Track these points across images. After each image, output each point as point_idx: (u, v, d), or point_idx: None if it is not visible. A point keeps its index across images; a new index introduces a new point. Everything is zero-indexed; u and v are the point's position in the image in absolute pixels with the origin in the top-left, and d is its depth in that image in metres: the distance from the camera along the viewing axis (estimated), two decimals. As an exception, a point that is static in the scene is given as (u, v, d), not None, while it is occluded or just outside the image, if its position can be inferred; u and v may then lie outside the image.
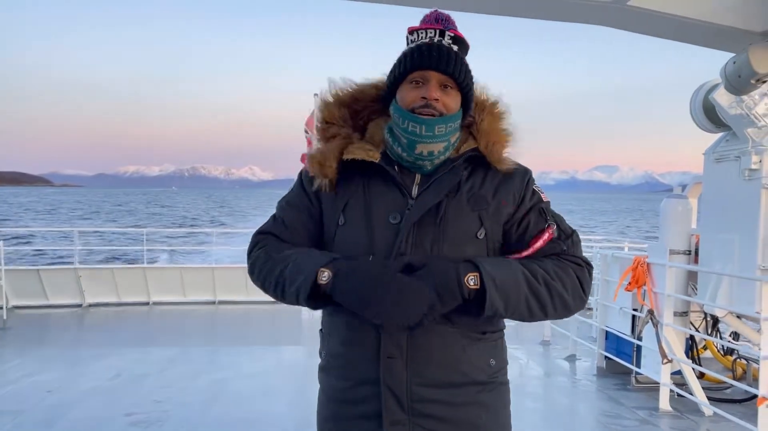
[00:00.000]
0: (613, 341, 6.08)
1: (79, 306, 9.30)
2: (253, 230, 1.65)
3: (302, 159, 8.11)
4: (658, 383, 5.06)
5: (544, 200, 1.55)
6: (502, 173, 1.51)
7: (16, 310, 8.93)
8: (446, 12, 1.51)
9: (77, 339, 7.57)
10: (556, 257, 1.48)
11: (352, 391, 1.47)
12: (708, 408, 4.80)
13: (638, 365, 5.55)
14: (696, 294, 5.46)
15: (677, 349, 5.12)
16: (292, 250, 1.49)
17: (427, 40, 1.46)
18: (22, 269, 9.82)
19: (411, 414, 1.42)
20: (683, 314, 5.45)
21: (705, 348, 5.84)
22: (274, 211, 1.65)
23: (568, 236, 1.52)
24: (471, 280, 1.35)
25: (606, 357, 6.16)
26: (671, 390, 5.01)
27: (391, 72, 1.52)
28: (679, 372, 5.14)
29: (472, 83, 1.51)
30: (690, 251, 5.49)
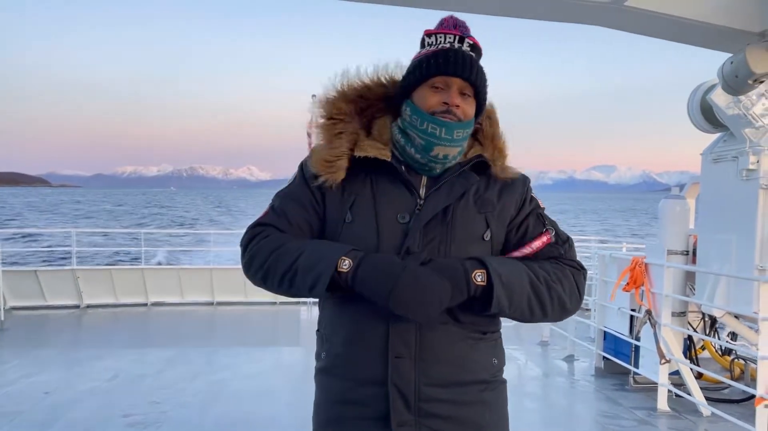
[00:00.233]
0: (611, 341, 6.09)
1: (77, 307, 9.29)
2: None
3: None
4: (656, 383, 5.07)
5: (541, 206, 1.60)
6: (504, 179, 1.55)
7: (13, 311, 8.91)
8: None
9: (75, 340, 7.56)
10: (555, 260, 1.53)
11: (356, 391, 1.45)
12: (706, 409, 4.81)
13: (636, 365, 5.55)
14: (694, 294, 5.47)
15: (675, 349, 5.12)
16: (302, 241, 1.47)
17: (447, 45, 1.46)
18: (20, 270, 9.80)
19: (417, 415, 1.42)
20: (681, 314, 5.46)
21: (703, 348, 5.84)
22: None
23: (564, 241, 1.57)
24: (478, 277, 1.38)
25: (604, 357, 6.17)
26: (669, 391, 5.02)
27: (409, 73, 1.51)
28: (677, 373, 5.15)
29: (487, 91, 1.53)
30: (688, 251, 5.49)
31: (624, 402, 5.22)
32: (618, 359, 5.87)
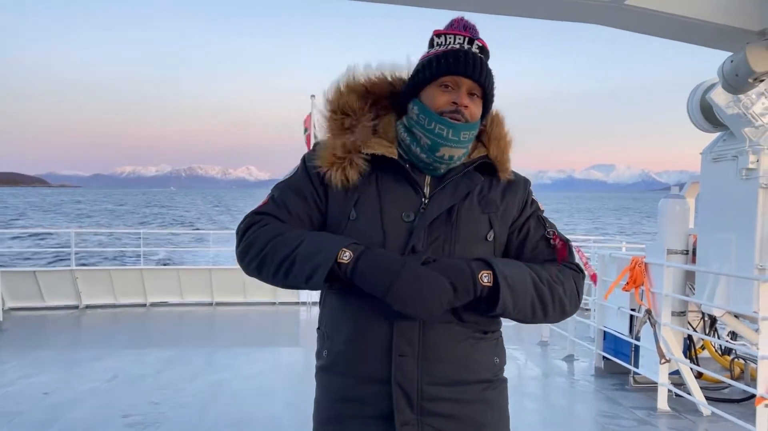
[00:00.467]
0: (611, 341, 6.09)
1: (76, 307, 9.27)
2: None
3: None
4: (656, 383, 5.06)
5: (541, 209, 1.62)
6: (506, 181, 1.56)
7: (12, 312, 8.90)
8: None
9: (74, 341, 7.55)
10: (555, 263, 1.55)
11: (357, 389, 1.45)
12: (706, 408, 4.80)
13: (636, 365, 5.55)
14: (694, 293, 5.46)
15: (675, 349, 5.12)
16: (302, 232, 1.45)
17: (457, 46, 1.47)
18: (19, 271, 9.79)
19: (420, 413, 1.42)
20: (681, 314, 5.45)
21: (703, 348, 5.84)
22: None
23: (565, 244, 1.59)
24: (485, 277, 1.39)
25: (604, 357, 6.17)
26: (669, 390, 5.01)
27: (418, 72, 1.50)
28: (677, 372, 5.14)
29: (494, 93, 1.53)
30: (687, 251, 5.49)
31: (624, 401, 5.22)
32: (618, 359, 5.87)
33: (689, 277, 5.54)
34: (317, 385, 1.56)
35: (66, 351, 6.80)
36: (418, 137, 1.48)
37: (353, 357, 1.46)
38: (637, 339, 5.46)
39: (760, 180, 4.73)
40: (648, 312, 5.17)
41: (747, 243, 4.80)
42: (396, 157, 1.48)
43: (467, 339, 1.46)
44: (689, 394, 4.91)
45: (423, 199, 1.47)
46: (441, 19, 1.58)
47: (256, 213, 1.51)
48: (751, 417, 4.15)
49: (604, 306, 6.20)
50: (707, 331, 5.63)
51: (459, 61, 1.44)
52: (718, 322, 5.51)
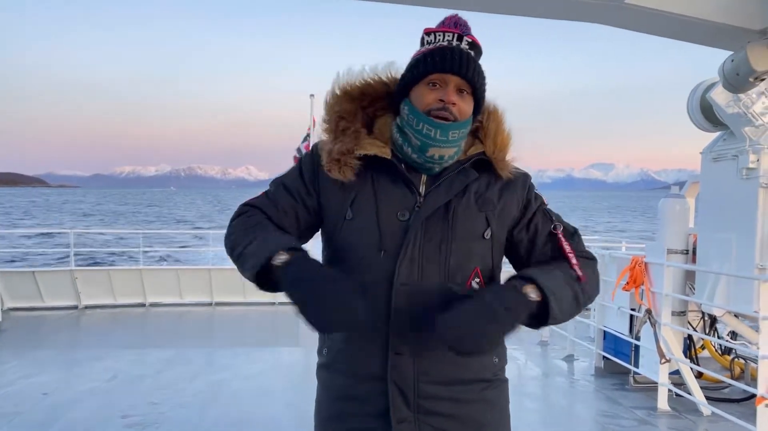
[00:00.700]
0: (611, 341, 6.08)
1: (75, 308, 9.26)
2: None
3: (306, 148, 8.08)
4: (657, 383, 5.05)
5: (545, 202, 1.60)
6: (504, 177, 1.54)
7: (11, 312, 8.89)
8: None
9: (73, 341, 7.54)
10: (572, 257, 1.53)
11: (356, 388, 1.47)
12: (706, 408, 4.80)
13: (636, 365, 5.54)
14: (694, 293, 5.46)
15: (675, 349, 5.11)
16: (270, 228, 1.48)
17: (445, 43, 1.46)
18: (18, 271, 9.78)
19: (417, 412, 1.43)
20: (681, 314, 5.45)
21: (703, 347, 5.84)
22: None
23: (572, 233, 1.57)
24: (532, 293, 1.38)
25: (604, 357, 6.16)
26: (669, 390, 5.00)
27: (407, 71, 1.51)
28: (677, 372, 5.13)
29: (485, 90, 1.52)
30: (688, 250, 5.48)
31: (624, 401, 5.21)
32: (618, 359, 5.86)
33: (689, 277, 5.54)
34: (318, 383, 1.59)
35: (65, 351, 6.79)
36: (408, 137, 1.48)
37: (352, 355, 1.48)
38: (637, 338, 5.46)
39: (760, 179, 4.72)
40: (648, 311, 5.16)
41: (747, 243, 4.80)
42: (389, 157, 1.48)
43: None
44: (689, 394, 4.91)
45: (418, 198, 1.47)
46: (441, 18, 1.57)
47: (246, 204, 1.57)
48: (751, 417, 4.15)
49: (604, 306, 6.20)
50: (707, 331, 5.62)
51: (445, 58, 1.44)
52: (719, 322, 5.51)
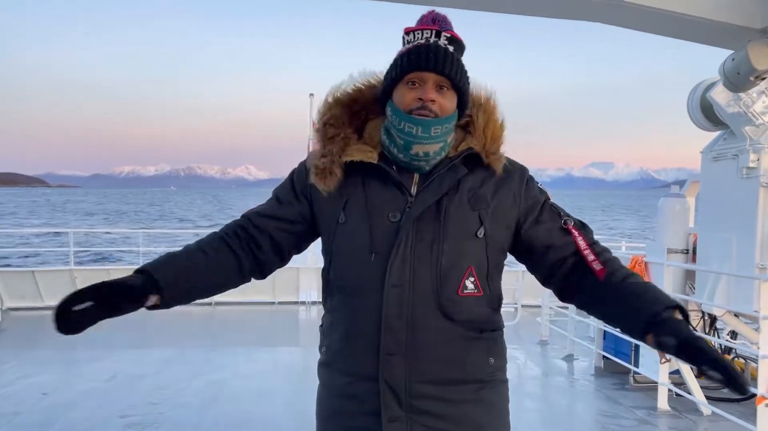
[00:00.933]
0: (611, 340, 6.07)
1: None
2: None
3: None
4: (657, 382, 5.05)
5: (549, 195, 1.59)
6: (499, 173, 1.52)
7: (10, 312, 8.88)
8: (439, 9, 1.51)
9: (73, 341, 7.45)
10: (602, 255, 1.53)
11: (352, 387, 1.48)
12: (706, 408, 4.80)
13: (636, 364, 5.53)
14: (694, 293, 5.45)
15: (675, 348, 5.10)
16: (206, 242, 1.60)
17: (423, 40, 1.46)
18: (17, 270, 9.77)
19: (409, 411, 1.44)
20: (681, 313, 5.43)
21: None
22: None
23: (583, 226, 1.56)
24: (679, 316, 1.38)
25: (604, 356, 6.15)
26: (669, 390, 5.00)
27: (387, 73, 1.52)
28: (677, 372, 5.13)
29: (468, 83, 1.52)
30: (688, 250, 5.48)
31: (624, 401, 5.21)
32: (618, 358, 5.85)
33: (689, 276, 5.53)
34: (319, 380, 1.61)
35: (65, 351, 6.78)
36: (394, 138, 1.49)
37: (348, 355, 1.49)
38: (638, 338, 5.45)
39: (760, 179, 4.72)
40: (648, 311, 5.15)
41: (747, 243, 4.79)
42: (375, 161, 1.49)
43: (458, 339, 1.46)
44: (689, 394, 4.90)
45: (409, 198, 1.47)
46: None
47: (244, 214, 1.67)
48: (751, 417, 4.15)
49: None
50: (707, 330, 5.62)
51: (421, 56, 1.44)
52: (719, 321, 5.51)
